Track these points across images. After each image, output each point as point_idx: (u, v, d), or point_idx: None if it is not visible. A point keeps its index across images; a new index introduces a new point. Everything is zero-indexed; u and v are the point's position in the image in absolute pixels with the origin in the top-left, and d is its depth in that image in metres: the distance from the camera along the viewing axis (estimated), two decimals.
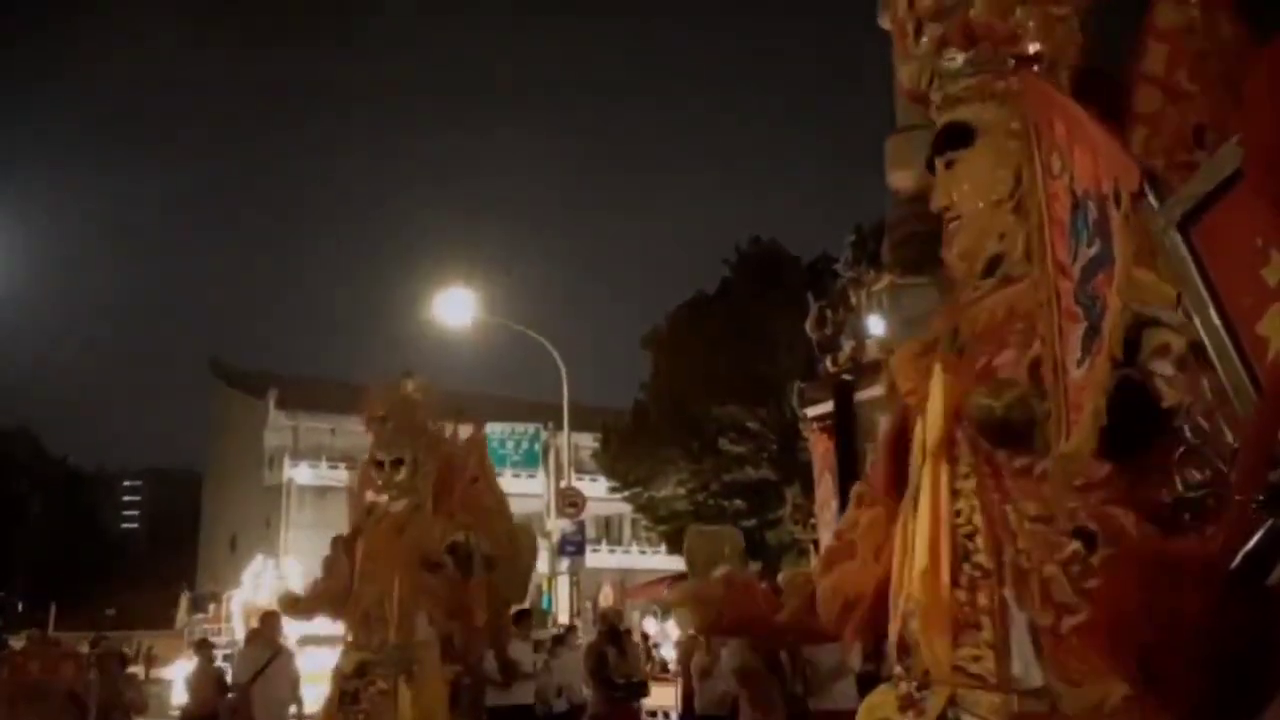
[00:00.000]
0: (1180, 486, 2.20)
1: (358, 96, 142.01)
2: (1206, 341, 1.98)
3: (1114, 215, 2.30)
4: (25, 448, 55.96)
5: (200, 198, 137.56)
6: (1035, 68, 2.72)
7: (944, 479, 2.56)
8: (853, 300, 20.24)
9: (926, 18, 2.86)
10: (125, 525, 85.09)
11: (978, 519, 2.49)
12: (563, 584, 27.20)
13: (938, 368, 2.69)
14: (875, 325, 19.04)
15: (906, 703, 2.56)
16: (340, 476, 48.61)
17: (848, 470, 18.18)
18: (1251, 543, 1.65)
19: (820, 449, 19.67)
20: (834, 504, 18.30)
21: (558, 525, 26.47)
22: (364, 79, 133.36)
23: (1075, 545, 2.29)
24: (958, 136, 2.77)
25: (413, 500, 7.64)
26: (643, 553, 43.71)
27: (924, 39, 2.87)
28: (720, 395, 30.37)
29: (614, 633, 13.08)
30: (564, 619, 27.37)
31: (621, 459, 33.99)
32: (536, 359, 29.17)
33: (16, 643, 27.04)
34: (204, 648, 13.39)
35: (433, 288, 27.60)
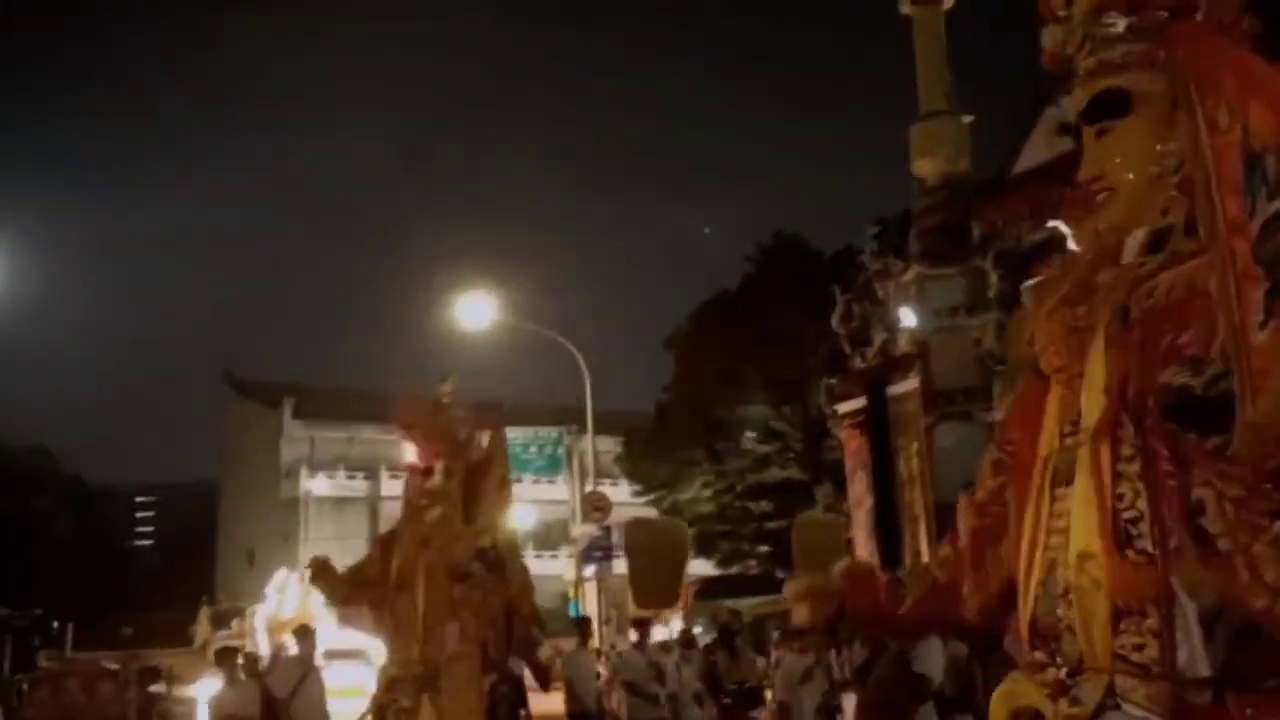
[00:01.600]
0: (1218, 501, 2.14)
1: (371, 96, 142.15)
2: None
3: None
4: (41, 465, 55.88)
5: (210, 208, 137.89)
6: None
7: (1105, 461, 2.45)
8: (879, 293, 19.93)
9: None
10: (139, 542, 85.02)
11: (1142, 503, 2.40)
12: (590, 590, 26.89)
13: (1099, 344, 2.56)
14: (905, 317, 18.74)
15: (1058, 690, 2.46)
16: (359, 487, 48.48)
17: (882, 466, 17.90)
18: None
19: (853, 446, 19.36)
20: (869, 501, 17.98)
21: (583, 531, 26.17)
22: (378, 80, 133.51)
23: (1275, 528, 2.20)
24: (1111, 104, 2.66)
25: (445, 508, 7.51)
26: None
27: (1077, 1, 2.76)
28: (744, 394, 30.09)
29: (726, 636, 12.56)
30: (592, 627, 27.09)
31: (645, 462, 33.71)
32: (558, 363, 28.89)
33: (44, 662, 26.89)
34: (227, 656, 12.55)
35: (452, 292, 27.41)
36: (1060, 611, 2.46)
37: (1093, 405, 2.53)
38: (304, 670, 10.59)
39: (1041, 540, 2.54)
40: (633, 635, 13.15)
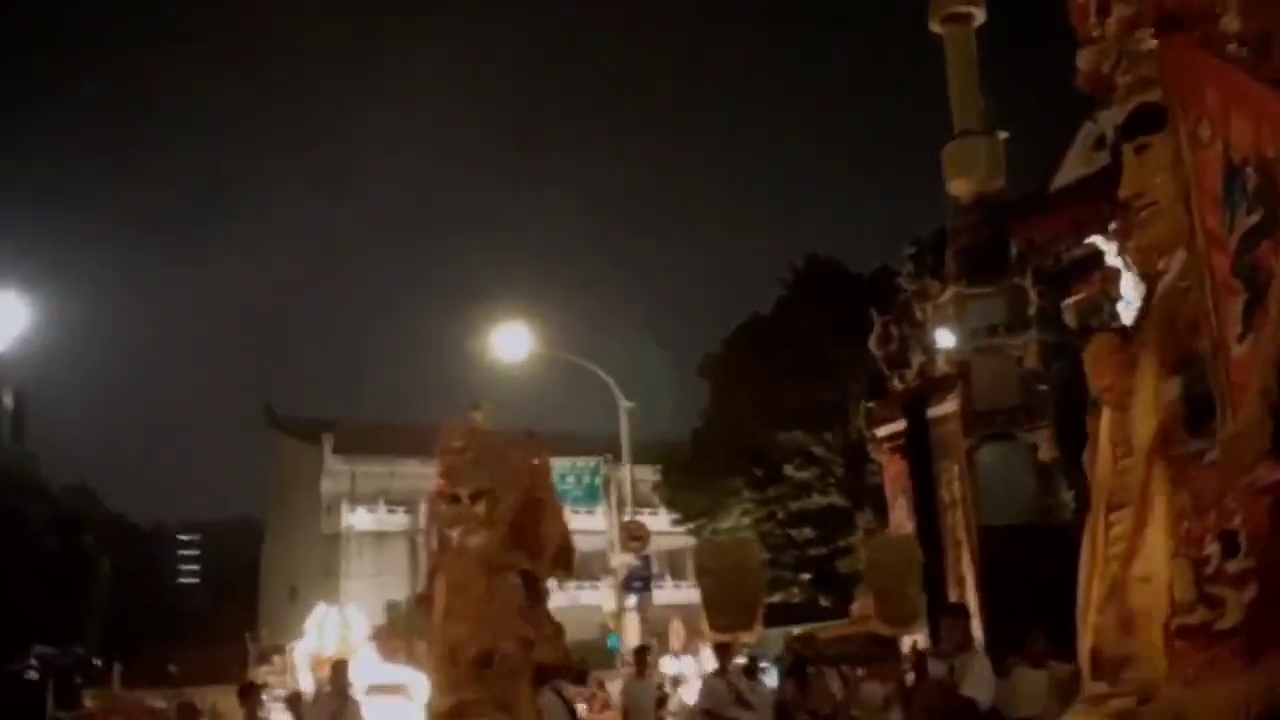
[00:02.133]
0: None
1: (411, 132, 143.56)
2: None
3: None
4: (85, 504, 56.31)
5: (246, 247, 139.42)
6: (1231, 45, 2.61)
7: (1160, 479, 2.48)
8: (917, 314, 19.72)
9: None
10: (185, 579, 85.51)
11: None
12: (630, 621, 26.64)
13: (1147, 361, 2.60)
14: (943, 338, 18.52)
15: (1127, 718, 2.43)
16: (399, 521, 48.50)
17: (923, 490, 17.64)
18: None
19: (892, 470, 19.12)
20: (910, 526, 17.71)
21: (622, 561, 25.98)
22: (419, 117, 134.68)
23: (1213, 548, 2.17)
24: (1149, 120, 2.71)
25: (493, 534, 7.50)
26: None
27: (1110, 20, 2.78)
28: (782, 420, 29.83)
29: (796, 665, 12.30)
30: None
31: (683, 490, 33.50)
32: (594, 392, 28.79)
33: (89, 701, 26.92)
34: (252, 693, 12.23)
35: (487, 323, 27.42)
36: (1123, 640, 2.43)
37: (1144, 423, 2.49)
38: (339, 705, 10.52)
39: (1099, 569, 2.57)
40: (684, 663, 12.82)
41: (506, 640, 7.29)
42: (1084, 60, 2.89)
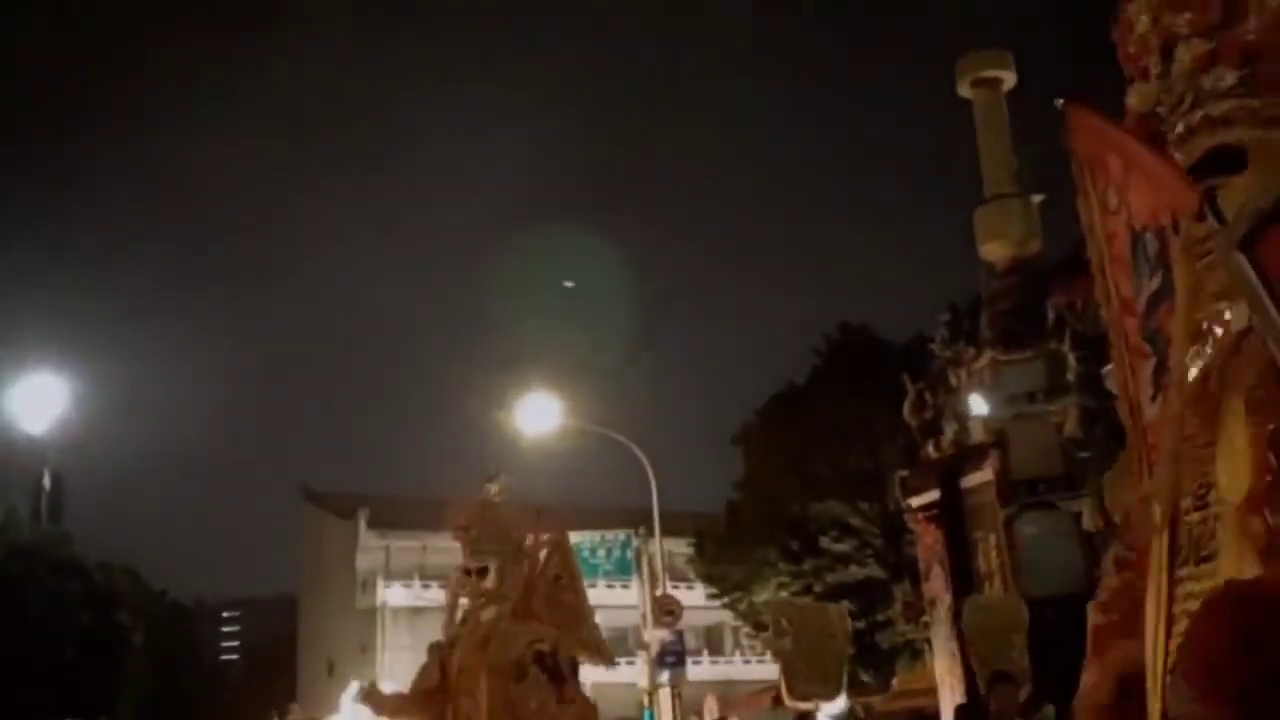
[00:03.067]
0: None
1: (434, 206, 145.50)
2: (1275, 353, 1.94)
3: (1174, 245, 2.32)
4: (125, 582, 56.57)
5: (279, 323, 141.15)
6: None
7: (1259, 531, 2.35)
8: (952, 381, 19.41)
9: (1184, 34, 2.65)
10: (225, 656, 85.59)
11: None
12: (664, 697, 26.14)
13: (1236, 408, 2.46)
14: (977, 405, 18.19)
15: None
16: (434, 596, 48.18)
17: (959, 560, 17.20)
18: None
19: (927, 540, 18.70)
20: (947, 598, 17.24)
21: (655, 636, 25.56)
22: (439, 183, 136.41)
23: None
24: (1221, 161, 2.54)
25: (500, 608, 7.59)
26: (746, 662, 42.36)
27: (1177, 58, 2.66)
28: (818, 491, 29.48)
29: None
30: None
31: (718, 563, 33.09)
32: (625, 465, 28.63)
33: None
34: None
35: (518, 395, 27.42)
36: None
37: (1236, 473, 2.36)
38: None
39: (1166, 626, 2.42)
40: None
41: (514, 717, 7.25)
42: (1137, 98, 2.76)
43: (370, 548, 49.75)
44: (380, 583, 48.50)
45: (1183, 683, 1.90)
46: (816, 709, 13.15)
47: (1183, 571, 2.43)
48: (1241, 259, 2.01)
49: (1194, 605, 2.29)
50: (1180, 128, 2.61)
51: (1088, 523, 16.85)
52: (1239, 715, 1.63)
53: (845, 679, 14.87)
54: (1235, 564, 2.25)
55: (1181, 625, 2.28)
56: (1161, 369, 2.42)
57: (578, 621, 7.89)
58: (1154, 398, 2.45)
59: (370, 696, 8.24)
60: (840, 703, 14.54)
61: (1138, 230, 2.51)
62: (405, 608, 47.33)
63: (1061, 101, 2.77)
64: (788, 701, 15.07)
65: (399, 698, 8.30)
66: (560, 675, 7.56)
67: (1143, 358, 2.51)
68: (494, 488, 8.19)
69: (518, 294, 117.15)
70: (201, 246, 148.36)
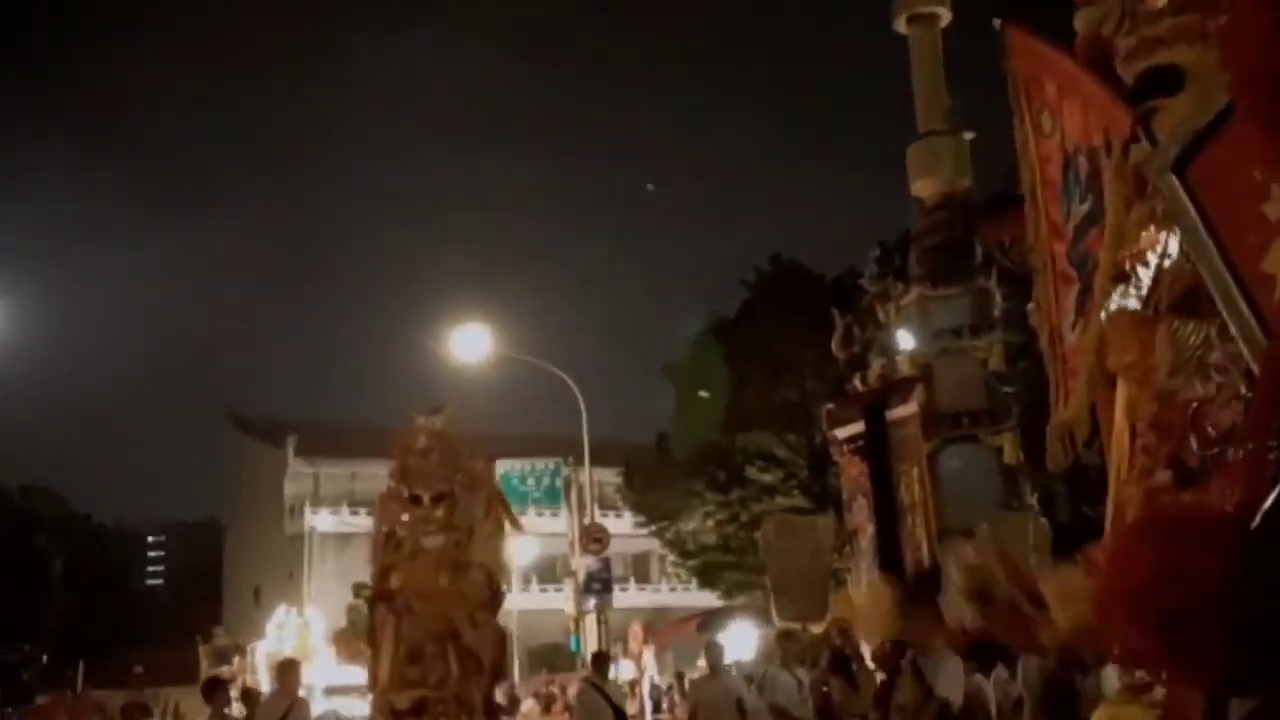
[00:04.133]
0: (1195, 442, 2.13)
1: (364, 135, 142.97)
2: (1211, 287, 1.86)
3: (1105, 166, 2.29)
4: (48, 505, 55.93)
5: (208, 248, 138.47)
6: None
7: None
8: (880, 316, 19.60)
9: None
10: (150, 581, 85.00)
11: None
12: (590, 623, 26.43)
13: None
14: (904, 340, 18.41)
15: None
16: (363, 523, 48.11)
17: (882, 492, 17.46)
18: (1271, 499, 1.54)
19: (852, 472, 18.91)
20: (869, 529, 17.52)
21: (582, 563, 25.80)
22: (371, 115, 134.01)
23: (1165, 477, 2.24)
24: (1160, 82, 2.56)
25: (451, 536, 7.64)
26: (673, 589, 42.92)
27: None
28: (746, 423, 29.67)
29: (840, 661, 10.97)
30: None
31: (646, 493, 33.36)
32: (555, 393, 28.69)
33: (41, 699, 26.74)
34: (217, 689, 11.38)
35: (448, 325, 27.35)
36: None
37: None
38: (288, 704, 10.21)
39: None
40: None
41: (452, 643, 7.37)
42: (1082, 22, 2.73)
43: (298, 474, 49.47)
44: (308, 509, 48.29)
45: (1105, 611, 1.86)
46: (803, 630, 12.97)
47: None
48: (1174, 181, 1.94)
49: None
50: (1122, 50, 2.64)
51: (1009, 456, 17.23)
52: (1161, 644, 1.62)
53: (830, 599, 14.63)
54: None
55: None
56: (1086, 295, 2.40)
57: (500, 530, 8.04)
58: (1075, 324, 2.44)
59: (340, 641, 8.44)
60: (825, 622, 14.42)
61: (1070, 152, 2.49)
62: (333, 534, 47.24)
63: (999, 22, 2.76)
64: (776, 622, 14.93)
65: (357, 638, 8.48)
66: (498, 599, 7.77)
67: (1067, 283, 2.50)
68: (441, 418, 8.23)
69: (451, 223, 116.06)
70: (128, 169, 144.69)
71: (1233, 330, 1.86)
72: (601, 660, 12.46)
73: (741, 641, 24.32)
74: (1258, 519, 1.53)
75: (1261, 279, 1.79)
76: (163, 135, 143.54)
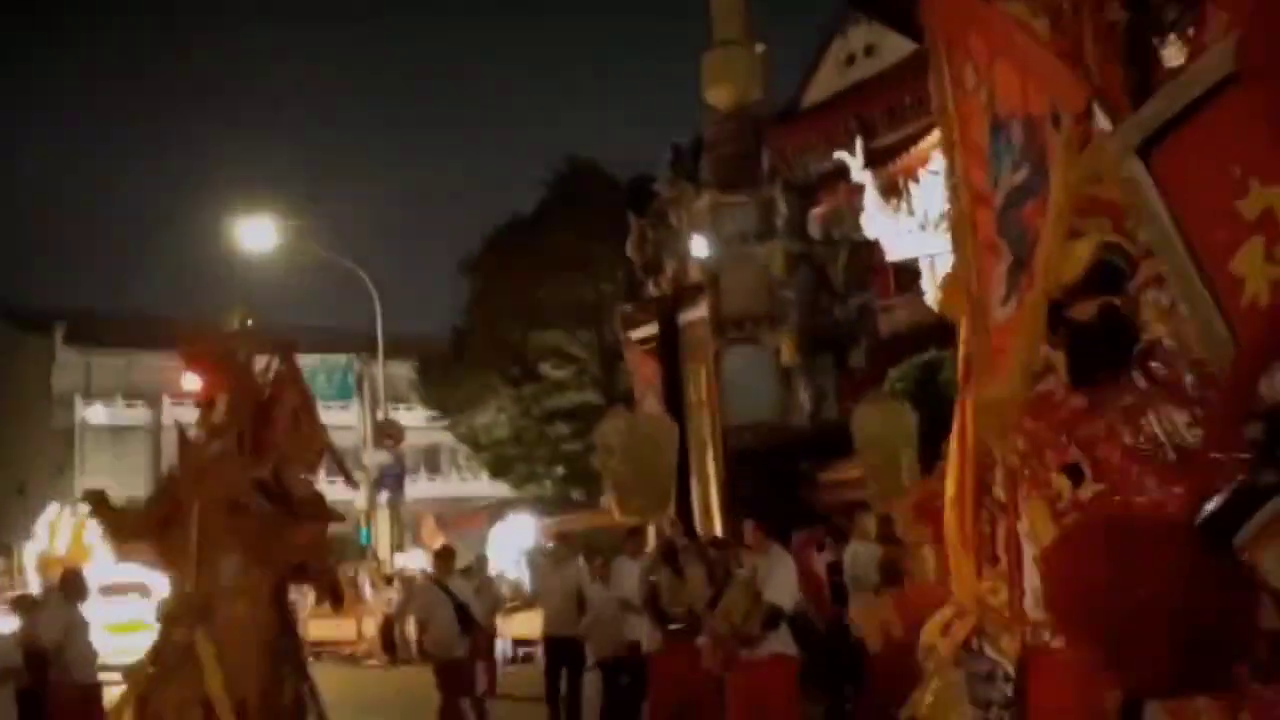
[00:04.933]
0: (1138, 437, 2.00)
1: (139, 6, 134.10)
2: (1171, 281, 1.77)
3: (1052, 139, 2.08)
4: None
5: None
6: None
7: (969, 410, 2.46)
8: (672, 220, 20.19)
9: None
10: None
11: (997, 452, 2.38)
12: (382, 517, 26.70)
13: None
14: (697, 245, 19.06)
15: (945, 629, 2.53)
16: (138, 416, 46.56)
17: (672, 390, 18.28)
18: (1217, 501, 1.53)
19: (644, 371, 19.70)
20: None
21: (375, 458, 25.91)
22: None
23: (1061, 483, 2.10)
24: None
25: (225, 442, 7.37)
26: (464, 480, 43.31)
27: None
28: (540, 320, 30.08)
29: (669, 552, 10.65)
30: (383, 553, 26.95)
31: (440, 387, 33.43)
32: (348, 287, 28.35)
33: None
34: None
35: (237, 215, 26.48)
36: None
37: (963, 356, 2.52)
38: (71, 615, 9.69)
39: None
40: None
41: (232, 549, 7.21)
42: None
43: (68, 364, 47.17)
44: (79, 401, 46.23)
45: (1050, 614, 1.83)
46: (646, 525, 12.88)
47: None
48: (1138, 166, 1.77)
49: (951, 471, 2.48)
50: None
51: (786, 358, 18.20)
52: (1108, 648, 1.60)
53: (673, 493, 14.60)
54: (955, 441, 2.48)
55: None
56: (1019, 268, 2.19)
57: (310, 448, 7.71)
58: (1006, 299, 2.23)
59: (101, 508, 7.79)
60: (668, 515, 14.42)
61: (1001, 117, 2.25)
62: (106, 427, 45.49)
63: None
64: (619, 517, 14.85)
65: (135, 518, 7.97)
66: (289, 499, 7.43)
67: (994, 254, 2.27)
68: (235, 318, 8.10)
69: (240, 107, 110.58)
70: None
71: (1194, 328, 1.74)
72: (445, 556, 12.28)
73: (526, 532, 24.97)
74: (1202, 518, 1.53)
75: (1230, 280, 1.66)
76: None
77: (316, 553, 7.74)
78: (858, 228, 20.70)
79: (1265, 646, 1.57)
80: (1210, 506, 1.53)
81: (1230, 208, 1.64)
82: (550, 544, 12.84)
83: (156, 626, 7.18)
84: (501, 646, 16.74)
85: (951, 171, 2.44)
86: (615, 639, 10.85)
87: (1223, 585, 1.50)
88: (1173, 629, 1.50)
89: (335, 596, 9.23)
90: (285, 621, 8.10)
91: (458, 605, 11.18)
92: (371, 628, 21.28)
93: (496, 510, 28.79)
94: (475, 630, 11.63)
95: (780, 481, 15.82)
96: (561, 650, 11.26)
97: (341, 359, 34.18)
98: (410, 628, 12.83)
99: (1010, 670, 2.25)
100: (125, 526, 7.82)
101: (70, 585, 10.06)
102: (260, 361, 7.81)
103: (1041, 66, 2.10)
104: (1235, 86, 1.60)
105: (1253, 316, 1.59)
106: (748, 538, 9.06)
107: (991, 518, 2.35)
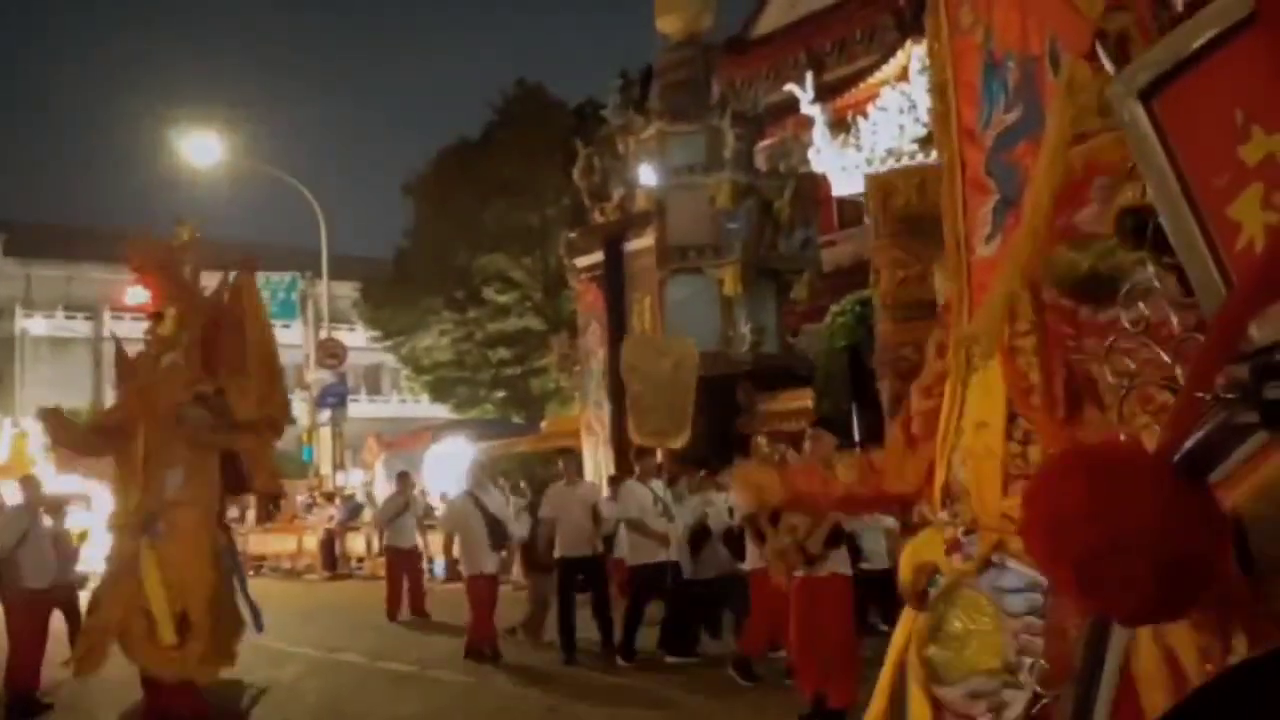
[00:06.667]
0: (1110, 374, 2.01)
1: None
2: (1168, 229, 1.71)
3: (1049, 79, 2.06)
4: None
5: None
6: None
7: (1004, 335, 2.41)
8: (620, 148, 20.18)
9: None
10: None
11: (1035, 375, 2.37)
12: (324, 436, 26.78)
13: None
14: (645, 174, 19.11)
15: (953, 546, 2.51)
16: (80, 328, 45.97)
17: (616, 318, 18.43)
18: (1197, 437, 1.52)
19: (588, 298, 19.80)
20: (601, 352, 18.51)
21: (318, 377, 25.93)
22: None
23: (1167, 396, 2.03)
24: None
25: (174, 355, 7.51)
26: (404, 402, 43.36)
27: None
28: (484, 244, 30.02)
29: (679, 478, 11.25)
30: (326, 470, 27.09)
31: (384, 308, 33.34)
32: (292, 205, 28.13)
33: None
34: None
35: (180, 129, 26.19)
36: (960, 474, 2.50)
37: (994, 284, 2.43)
38: (30, 520, 9.65)
39: (959, 411, 2.53)
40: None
41: (176, 462, 7.41)
42: None
43: (8, 274, 46.39)
44: (19, 312, 45.55)
45: (1025, 540, 1.83)
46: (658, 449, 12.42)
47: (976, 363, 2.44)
48: (1140, 111, 1.71)
49: (977, 395, 2.43)
50: None
51: (728, 289, 18.36)
52: (1080, 578, 1.59)
53: (691, 417, 14.11)
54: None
55: (957, 410, 2.46)
56: (1005, 207, 2.18)
57: (258, 365, 7.77)
58: (990, 237, 2.23)
59: (56, 423, 7.82)
60: (684, 439, 14.07)
61: (997, 56, 2.22)
62: (47, 338, 44.92)
63: None
64: (636, 439, 14.70)
65: (88, 431, 8.18)
66: (228, 411, 7.51)
67: (981, 192, 2.25)
68: (183, 233, 8.00)
69: (188, 21, 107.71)
70: None
71: (1189, 275, 1.70)
72: (479, 472, 12.34)
73: (464, 454, 25.09)
74: (1181, 454, 1.53)
75: (1227, 225, 1.63)
76: None
77: (256, 465, 7.83)
78: (805, 161, 20.88)
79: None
80: (1188, 444, 1.52)
81: (1232, 153, 1.61)
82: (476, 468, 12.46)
83: (104, 536, 7.29)
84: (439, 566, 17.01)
85: (942, 111, 2.41)
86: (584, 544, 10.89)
87: (1199, 521, 1.50)
88: (1150, 566, 1.50)
89: (273, 501, 9.33)
90: (226, 533, 8.28)
91: (490, 520, 11.10)
92: (312, 543, 21.48)
93: (437, 432, 28.93)
94: (508, 545, 11.54)
95: (720, 411, 16.14)
96: (578, 571, 10.89)
97: (286, 277, 33.91)
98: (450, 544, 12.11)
99: (1043, 580, 2.22)
100: (78, 439, 7.89)
101: (30, 493, 10.00)
102: (217, 276, 7.89)
103: (1042, 4, 2.05)
104: (1247, 30, 1.55)
105: (1247, 261, 1.58)
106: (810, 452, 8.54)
107: (1025, 438, 2.37)
